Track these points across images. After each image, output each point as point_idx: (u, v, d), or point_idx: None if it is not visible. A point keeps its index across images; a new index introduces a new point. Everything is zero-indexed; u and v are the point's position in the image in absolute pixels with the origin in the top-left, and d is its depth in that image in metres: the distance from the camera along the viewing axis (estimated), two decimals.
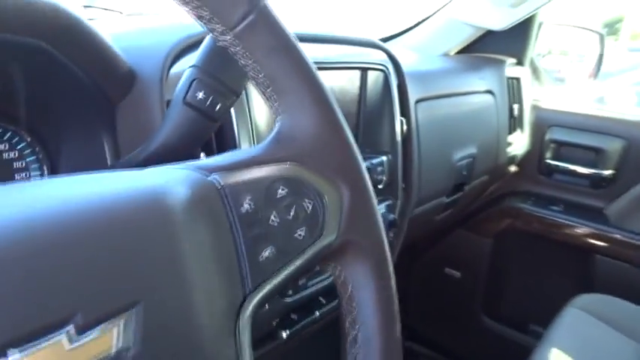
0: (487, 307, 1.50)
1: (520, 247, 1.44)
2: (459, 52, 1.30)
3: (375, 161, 0.82)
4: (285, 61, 0.32)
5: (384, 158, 0.84)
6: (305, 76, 0.33)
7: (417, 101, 0.92)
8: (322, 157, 0.33)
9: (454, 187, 1.09)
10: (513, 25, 1.23)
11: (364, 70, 0.84)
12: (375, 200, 0.35)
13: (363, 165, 0.35)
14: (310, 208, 0.33)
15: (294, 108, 0.33)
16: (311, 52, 0.40)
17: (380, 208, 0.61)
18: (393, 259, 0.71)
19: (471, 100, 1.12)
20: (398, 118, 0.87)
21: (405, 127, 0.88)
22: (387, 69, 0.86)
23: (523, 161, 1.38)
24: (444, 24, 1.23)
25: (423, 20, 1.26)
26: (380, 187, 0.84)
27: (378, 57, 0.85)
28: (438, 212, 1.11)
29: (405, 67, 0.88)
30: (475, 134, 1.12)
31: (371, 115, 0.86)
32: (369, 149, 0.86)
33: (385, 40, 1.28)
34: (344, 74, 0.82)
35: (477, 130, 1.13)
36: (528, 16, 1.23)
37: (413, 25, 1.28)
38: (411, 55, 1.15)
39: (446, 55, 1.27)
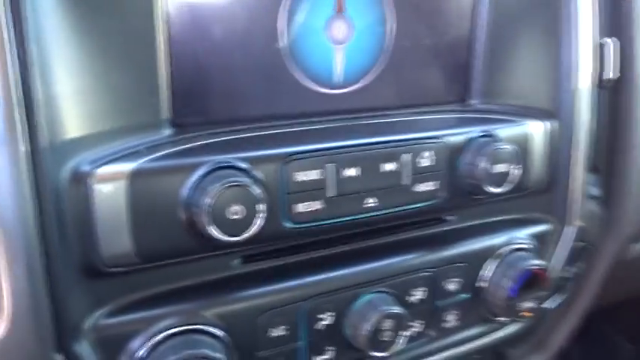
0: None
1: None
2: None
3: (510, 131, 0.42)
4: None
5: (534, 127, 0.43)
6: None
7: None
8: None
9: None
10: None
11: None
12: None
13: None
14: None
15: None
16: None
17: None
18: (575, 321, 0.55)
19: None
20: (589, 20, 0.43)
21: (611, 51, 0.43)
22: None
23: None
24: None
25: None
26: (521, 192, 0.44)
27: None
28: None
29: None
30: None
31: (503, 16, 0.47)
32: (493, 97, 0.45)
33: None
34: None
35: None
36: None
37: None
38: None
39: None
